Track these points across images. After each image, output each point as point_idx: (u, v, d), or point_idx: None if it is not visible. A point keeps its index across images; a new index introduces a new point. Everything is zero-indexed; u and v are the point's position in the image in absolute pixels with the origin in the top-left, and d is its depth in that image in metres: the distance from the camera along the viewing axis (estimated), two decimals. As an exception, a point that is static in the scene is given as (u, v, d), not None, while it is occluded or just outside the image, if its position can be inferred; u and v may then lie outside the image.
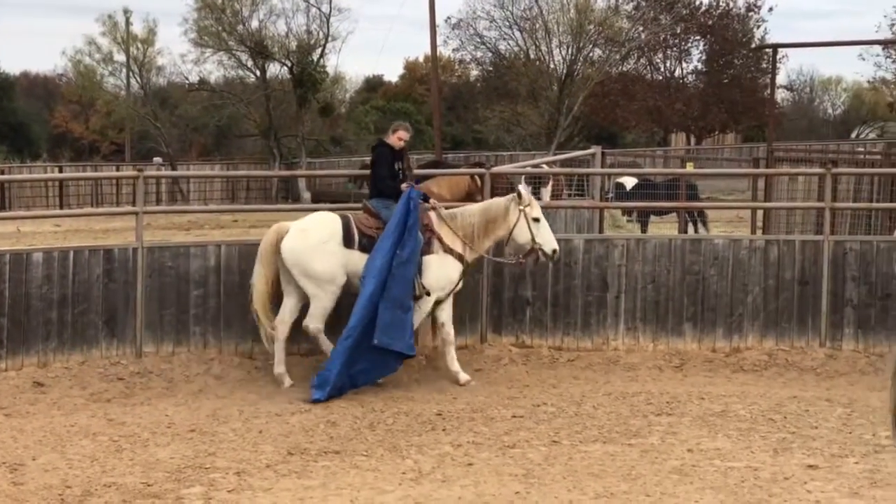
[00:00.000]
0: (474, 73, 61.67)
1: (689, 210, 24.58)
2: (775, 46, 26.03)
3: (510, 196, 13.48)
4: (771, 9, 74.65)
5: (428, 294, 13.05)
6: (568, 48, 52.84)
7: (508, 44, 55.58)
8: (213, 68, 62.92)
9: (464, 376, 13.23)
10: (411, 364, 13.97)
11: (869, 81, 66.12)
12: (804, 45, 35.11)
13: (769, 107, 23.62)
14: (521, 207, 13.28)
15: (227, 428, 11.09)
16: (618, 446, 10.39)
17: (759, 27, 59.02)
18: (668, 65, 58.87)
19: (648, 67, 58.75)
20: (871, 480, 9.18)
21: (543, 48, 53.89)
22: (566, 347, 14.45)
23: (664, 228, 24.84)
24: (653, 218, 26.73)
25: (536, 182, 24.53)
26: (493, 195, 14.78)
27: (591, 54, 53.70)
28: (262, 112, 52.69)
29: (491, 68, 58.07)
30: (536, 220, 13.30)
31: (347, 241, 13.02)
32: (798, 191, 20.18)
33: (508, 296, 14.59)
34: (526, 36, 54.41)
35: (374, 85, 76.23)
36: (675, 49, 58.29)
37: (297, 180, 48.00)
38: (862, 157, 27.62)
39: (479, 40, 56.03)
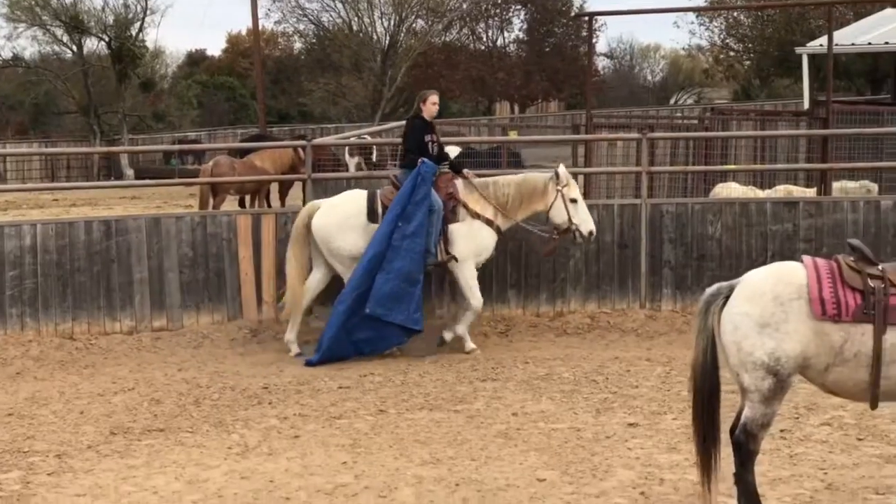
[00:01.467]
0: (298, 45, 61.33)
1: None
2: (591, 14, 26.43)
3: (548, 174, 13.45)
4: (589, -22, 75.85)
5: (455, 260, 13.17)
6: (390, 19, 52.89)
7: (331, 15, 55.41)
8: (28, 44, 61.19)
9: (469, 345, 13.31)
10: (237, 338, 13.87)
11: (684, 49, 67.76)
12: (620, 13, 35.79)
13: (587, 74, 23.98)
14: (559, 188, 13.26)
15: (46, 410, 10.84)
16: (444, 413, 10.47)
17: (578, -4, 59.91)
18: (490, 34, 59.33)
19: (471, 37, 59.09)
20: (687, 435, 9.40)
21: (366, 19, 53.85)
22: (392, 317, 14.47)
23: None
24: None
25: (364, 153, 24.49)
26: (315, 167, 14.69)
27: (413, 25, 53.87)
28: (80, 88, 51.34)
29: (314, 41, 57.75)
30: (574, 200, 13.29)
31: (371, 216, 13.22)
32: (618, 156, 20.59)
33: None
34: (348, 7, 54.25)
35: (196, 59, 74.95)
36: (496, 19, 58.73)
37: (119, 157, 46.99)
38: (679, 121, 28.26)
39: (301, 12, 55.72)
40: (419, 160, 12.97)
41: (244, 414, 10.55)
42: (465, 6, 55.34)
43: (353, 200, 13.46)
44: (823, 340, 6.96)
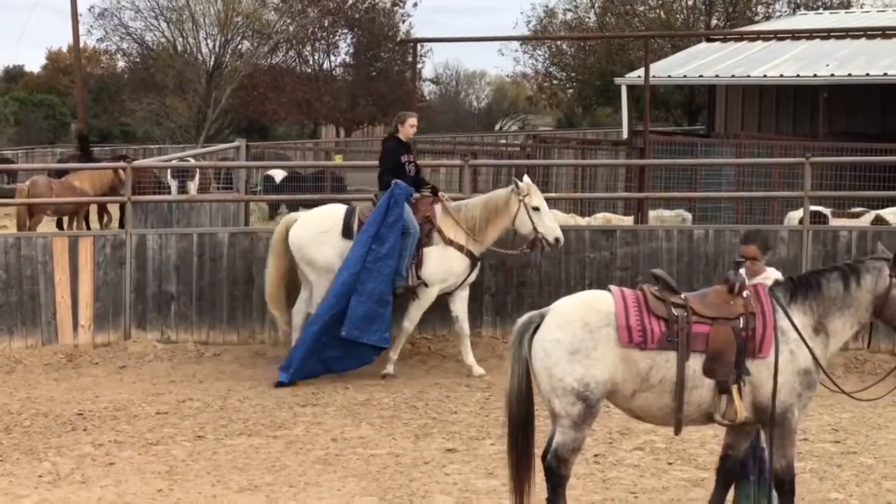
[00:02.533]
0: (121, 64, 60.23)
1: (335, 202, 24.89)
2: (417, 41, 26.73)
3: (510, 186, 13.30)
4: (415, 4, 76.34)
5: (425, 285, 13.02)
6: (215, 40, 52.44)
7: (155, 35, 54.63)
8: None
9: (478, 369, 13.24)
10: (51, 363, 13.59)
11: (508, 76, 68.76)
12: (445, 41, 36.27)
13: (411, 100, 24.17)
14: (520, 197, 13.14)
15: None
16: (263, 439, 10.42)
17: (404, 21, 60.30)
18: (316, 58, 59.22)
19: (297, 60, 58.90)
20: (505, 461, 9.54)
21: (191, 40, 53.27)
22: (212, 342, 14.38)
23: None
24: (302, 210, 26.91)
25: (183, 176, 24.23)
26: (136, 189, 14.49)
27: (239, 46, 53.48)
28: None
29: (138, 59, 56.84)
30: (536, 209, 13.15)
31: (346, 232, 13.12)
32: (441, 182, 20.79)
33: (153, 291, 14.37)
34: (173, 27, 53.58)
35: (13, 75, 73.07)
36: (323, 42, 58.68)
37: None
38: (503, 148, 28.70)
39: (124, 31, 54.77)
40: (393, 182, 12.93)
41: (57, 441, 10.33)
42: (291, 29, 55.17)
43: (329, 215, 13.48)
44: (630, 367, 7.19)
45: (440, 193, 13.54)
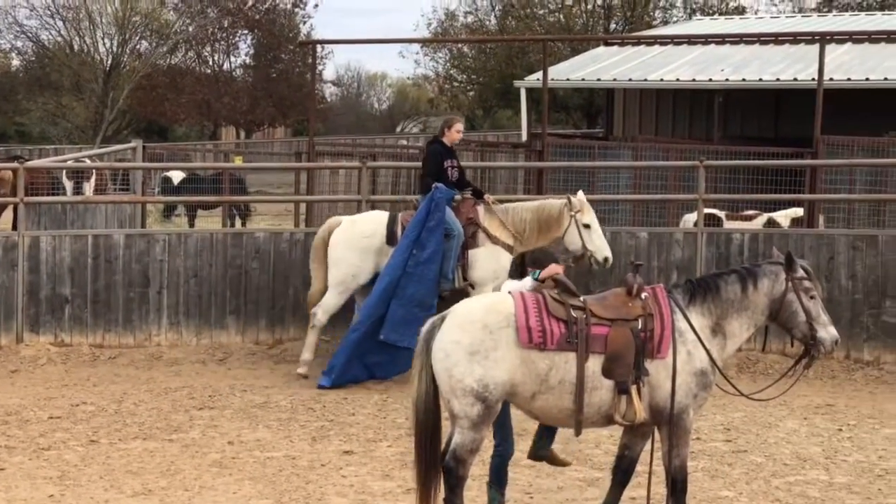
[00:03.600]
0: (15, 62, 59.15)
1: (234, 204, 24.72)
2: (316, 42, 26.61)
3: (563, 200, 13.07)
4: (316, 5, 75.98)
5: (472, 287, 12.82)
6: (113, 40, 51.76)
7: (51, 34, 53.80)
8: None
9: None
10: (-60, 368, 13.29)
11: (409, 78, 68.81)
12: (344, 42, 36.24)
13: (310, 101, 24.07)
14: (573, 213, 12.90)
15: None
16: (158, 442, 10.29)
17: (305, 23, 60.07)
18: (216, 58, 58.74)
19: (197, 61, 58.38)
20: (401, 462, 9.57)
21: (88, 39, 52.54)
22: (108, 345, 14.18)
23: (214, 223, 24.84)
24: (200, 212, 26.68)
25: (79, 176, 23.83)
26: (29, 191, 14.22)
27: (137, 46, 52.87)
28: None
29: (33, 58, 55.91)
30: (587, 226, 12.94)
31: (390, 238, 12.96)
32: (340, 184, 20.67)
33: (46, 293, 14.12)
34: (69, 26, 52.81)
35: None
36: (223, 42, 58.23)
37: None
38: (404, 150, 28.65)
39: (18, 29, 53.85)
40: (434, 185, 12.74)
41: (-55, 447, 10.09)
42: (190, 29, 54.67)
43: (372, 220, 13.37)
44: (530, 368, 7.22)
45: (485, 196, 13.38)
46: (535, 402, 7.31)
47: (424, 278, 12.70)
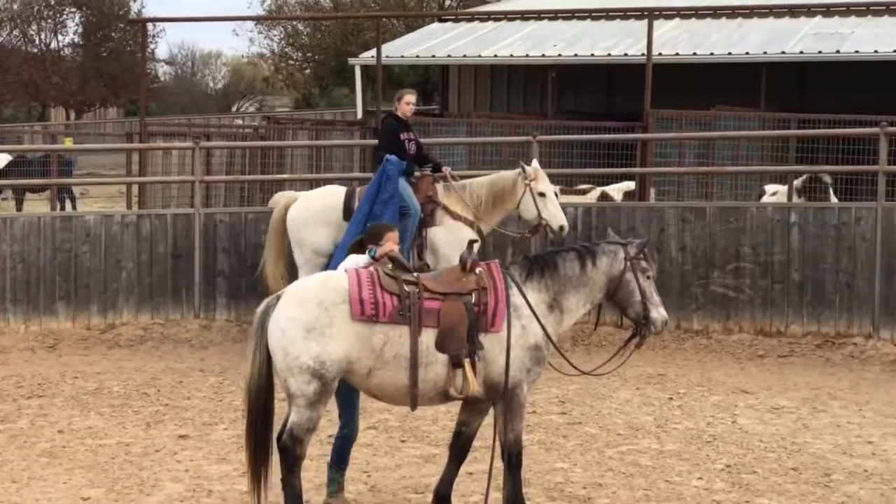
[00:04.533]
0: None
1: (63, 187, 24.16)
2: (147, 20, 26.19)
3: (516, 170, 12.66)
4: (146, -19, 74.57)
5: (428, 267, 12.04)
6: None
7: None
8: None
9: None
10: None
11: (244, 57, 68.03)
12: (174, 20, 35.68)
13: (142, 81, 23.60)
14: (527, 182, 12.52)
15: None
16: (-15, 434, 10.01)
17: (135, 1, 58.85)
18: (43, 37, 57.17)
19: (23, 39, 56.73)
20: (238, 445, 9.47)
21: None
22: (-69, 334, 13.74)
23: (44, 206, 24.21)
24: (29, 195, 26.00)
25: None
26: None
27: (-42, 25, 51.21)
28: None
29: None
30: (542, 194, 12.56)
31: (347, 214, 12.47)
32: (173, 164, 20.35)
33: None
34: None
35: None
36: (49, 21, 56.69)
37: None
38: (239, 130, 28.31)
39: None
40: (385, 157, 12.33)
41: None
42: (15, 7, 53.14)
43: (328, 195, 13.01)
44: (365, 344, 7.21)
45: (445, 169, 13.03)
46: (371, 378, 7.31)
47: None
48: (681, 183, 17.66)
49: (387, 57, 24.06)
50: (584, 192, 17.85)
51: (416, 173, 12.96)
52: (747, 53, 22.17)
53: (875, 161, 14.20)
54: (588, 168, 17.93)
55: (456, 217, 12.77)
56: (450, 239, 12.68)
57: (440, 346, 7.30)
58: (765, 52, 22.06)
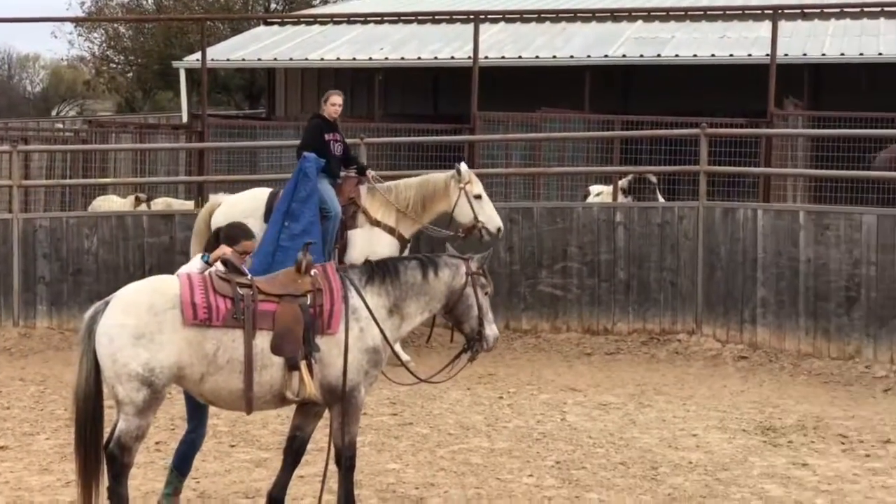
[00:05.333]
0: None
1: None
2: (-41, 21, 25.32)
3: (450, 172, 12.37)
4: (-39, -17, 72.39)
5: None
6: None
7: None
8: None
9: (404, 355, 12.11)
10: None
11: (64, 59, 66.53)
12: (-7, 21, 34.41)
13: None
14: (462, 185, 12.24)
15: None
16: None
17: (-52, 1, 57.02)
18: None
19: None
20: (61, 455, 9.24)
21: None
22: None
23: None
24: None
25: None
26: None
27: None
28: None
29: None
30: (478, 197, 12.33)
31: (269, 216, 12.03)
32: (-9, 169, 19.78)
33: None
34: None
35: None
36: None
37: None
38: (60, 134, 27.63)
39: None
40: (302, 155, 11.99)
41: None
42: None
43: (252, 198, 12.57)
44: (197, 349, 7.08)
45: (368, 172, 12.82)
46: (204, 384, 7.18)
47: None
48: (508, 184, 17.84)
49: (212, 60, 23.78)
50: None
51: (342, 173, 12.87)
52: (571, 57, 22.50)
53: (696, 161, 14.56)
54: (416, 170, 17.97)
55: (374, 223, 12.79)
56: (363, 243, 12.69)
57: (276, 348, 7.22)
58: (588, 56, 22.41)
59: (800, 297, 13.30)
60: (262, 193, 13.08)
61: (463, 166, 13.05)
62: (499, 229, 12.92)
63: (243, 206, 12.95)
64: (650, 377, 12.70)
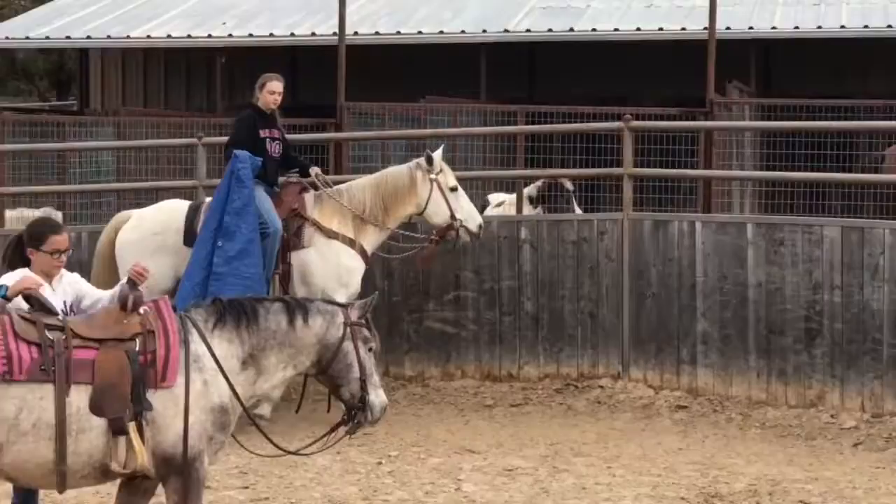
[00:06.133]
0: None
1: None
2: None
3: (413, 162, 12.08)
4: None
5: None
6: None
7: None
8: None
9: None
10: None
11: None
12: None
13: None
14: (433, 176, 12.04)
15: None
16: None
17: None
18: None
19: None
20: None
21: None
22: None
23: None
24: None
25: None
26: None
27: None
28: None
29: None
30: (454, 189, 12.12)
31: (189, 237, 11.68)
32: None
33: None
34: None
35: None
36: None
37: None
38: None
39: None
40: (233, 154, 11.69)
41: None
42: None
43: (166, 211, 12.28)
44: (-6, 412, 6.97)
45: (314, 171, 12.66)
46: (5, 456, 7.00)
47: (242, 278, 11.74)
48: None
49: (7, 38, 23.58)
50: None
51: (281, 179, 12.74)
52: (463, 32, 22.63)
53: (620, 163, 14.64)
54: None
55: (331, 235, 12.55)
56: (324, 265, 12.50)
57: (96, 407, 7.07)
58: (484, 31, 22.56)
59: (749, 331, 13.49)
60: (178, 206, 12.82)
61: (436, 154, 12.89)
62: (480, 226, 13.03)
63: (152, 222, 12.69)
64: (566, 434, 12.78)
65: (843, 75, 21.91)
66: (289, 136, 17.47)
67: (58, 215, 18.47)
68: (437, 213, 12.85)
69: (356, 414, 7.81)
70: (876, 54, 21.89)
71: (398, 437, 12.58)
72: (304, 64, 25.46)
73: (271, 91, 12.77)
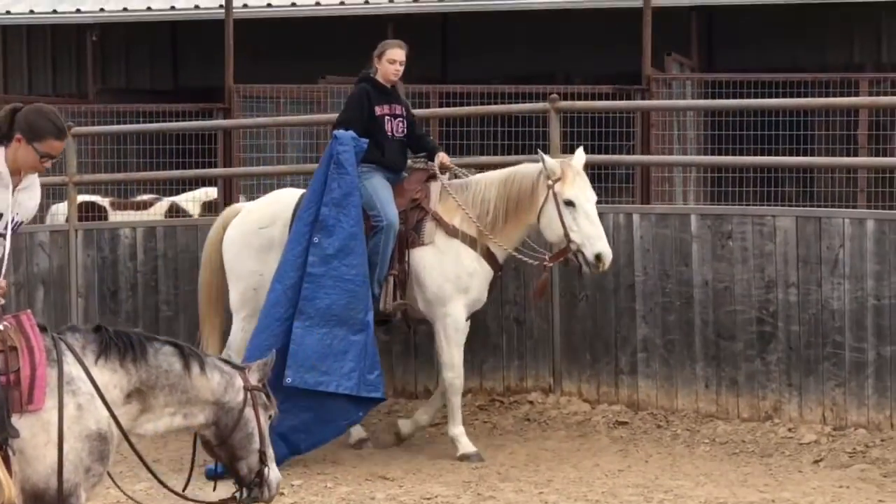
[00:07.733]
0: None
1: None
2: None
3: (538, 164, 11.54)
4: None
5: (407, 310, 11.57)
6: None
7: None
8: None
9: (466, 444, 11.89)
10: None
11: None
12: None
13: None
14: (550, 182, 11.40)
15: None
16: None
17: None
18: None
19: None
20: None
21: None
22: None
23: None
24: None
25: None
26: None
27: None
28: None
29: None
30: (570, 203, 11.40)
31: None
32: None
33: None
34: None
35: None
36: None
37: None
38: None
39: None
40: (334, 134, 11.48)
41: None
42: None
43: (277, 202, 12.12)
44: None
45: (440, 157, 12.15)
46: None
47: (342, 280, 11.49)
48: (283, 185, 17.81)
49: None
50: (145, 206, 17.81)
51: (408, 163, 12.42)
52: (366, 3, 22.61)
53: (533, 148, 14.56)
54: (148, 171, 17.87)
55: (452, 232, 12.10)
56: (442, 265, 12.09)
57: None
58: (391, 2, 22.56)
59: (696, 336, 13.56)
60: (290, 195, 12.53)
61: (548, 157, 12.18)
62: (598, 256, 11.93)
63: (260, 213, 12.49)
64: (492, 456, 12.79)
65: (797, 46, 22.01)
66: (169, 125, 17.44)
67: None
68: (549, 228, 12.12)
69: (253, 489, 7.71)
70: (832, 21, 22.01)
71: (302, 463, 12.52)
72: (186, 41, 25.37)
73: (391, 60, 12.35)
